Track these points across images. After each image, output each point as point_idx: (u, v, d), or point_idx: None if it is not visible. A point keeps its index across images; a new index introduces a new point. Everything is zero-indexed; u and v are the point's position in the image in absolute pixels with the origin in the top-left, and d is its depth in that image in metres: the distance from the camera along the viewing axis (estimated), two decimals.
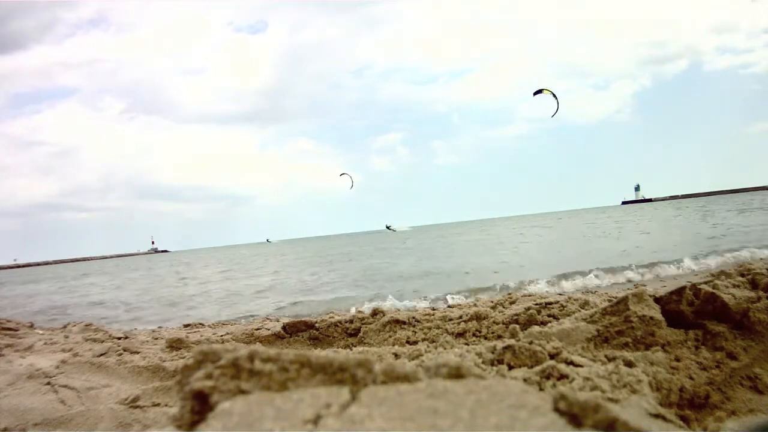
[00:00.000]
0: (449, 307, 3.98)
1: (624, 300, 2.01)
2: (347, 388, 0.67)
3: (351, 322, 3.33)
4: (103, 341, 3.67)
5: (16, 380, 2.53)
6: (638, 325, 1.93)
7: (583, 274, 9.50)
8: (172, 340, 3.46)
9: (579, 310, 2.57)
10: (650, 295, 2.06)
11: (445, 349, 2.35)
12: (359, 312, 3.48)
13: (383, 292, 10.11)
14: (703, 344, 1.94)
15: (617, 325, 1.94)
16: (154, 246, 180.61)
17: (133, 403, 2.29)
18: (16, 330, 4.20)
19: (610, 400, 1.38)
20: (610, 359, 1.77)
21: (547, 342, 1.76)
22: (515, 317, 2.68)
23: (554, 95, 18.53)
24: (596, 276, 9.29)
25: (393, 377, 0.70)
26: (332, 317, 3.53)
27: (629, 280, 8.81)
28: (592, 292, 4.28)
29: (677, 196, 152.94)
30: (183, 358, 3.04)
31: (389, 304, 7.62)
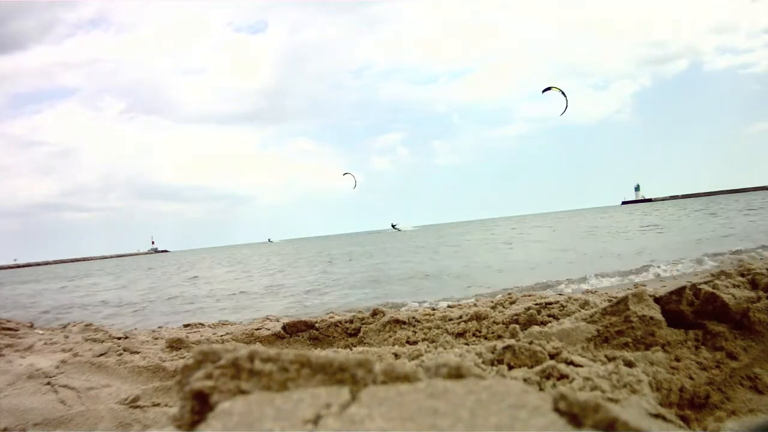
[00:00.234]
0: (449, 307, 3.97)
1: (624, 300, 2.01)
2: (347, 388, 0.67)
3: (351, 322, 3.33)
4: (103, 341, 3.67)
5: (16, 380, 2.53)
6: (638, 325, 1.93)
7: (648, 267, 9.14)
8: (172, 340, 3.46)
9: (579, 310, 2.57)
10: (650, 295, 2.06)
11: (445, 349, 2.35)
12: (359, 312, 3.48)
13: (404, 290, 9.88)
14: (703, 344, 1.94)
15: (617, 325, 1.94)
16: (154, 246, 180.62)
17: (133, 403, 2.29)
18: (16, 330, 4.20)
19: (610, 400, 1.38)
20: (610, 359, 1.77)
21: (547, 342, 1.76)
22: (515, 317, 2.68)
23: (563, 93, 18.43)
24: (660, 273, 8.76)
25: (393, 377, 0.71)
26: (332, 317, 3.53)
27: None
28: (592, 292, 4.28)
29: (677, 196, 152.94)
30: (183, 358, 3.04)
31: (414, 305, 7.45)
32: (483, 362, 1.67)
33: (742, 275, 2.26)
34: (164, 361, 3.00)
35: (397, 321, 3.03)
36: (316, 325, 3.41)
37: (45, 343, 3.54)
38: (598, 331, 1.95)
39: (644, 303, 2.00)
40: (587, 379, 1.48)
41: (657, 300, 2.05)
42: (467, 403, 0.63)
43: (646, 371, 1.72)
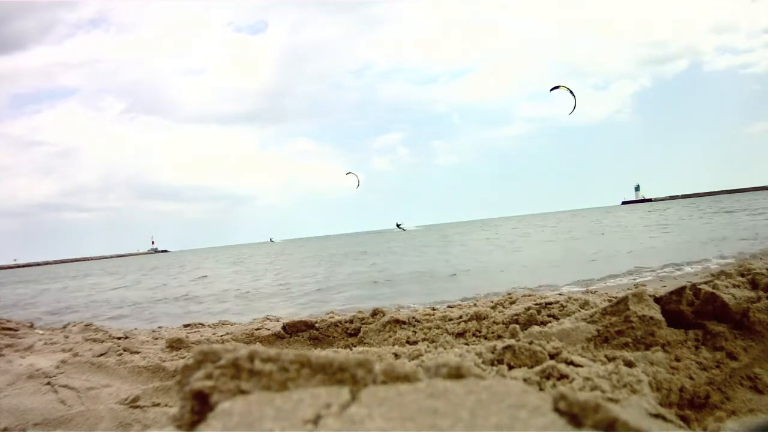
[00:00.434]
0: (449, 307, 3.97)
1: (624, 300, 2.01)
2: (347, 388, 0.67)
3: (351, 322, 3.33)
4: (103, 341, 3.67)
5: (16, 380, 2.53)
6: (638, 325, 1.93)
7: (707, 261, 8.97)
8: (172, 340, 3.46)
9: (579, 310, 2.57)
10: (650, 295, 2.06)
11: (445, 349, 2.35)
12: (359, 312, 3.48)
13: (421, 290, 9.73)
14: (703, 344, 1.94)
15: (617, 325, 1.94)
16: (154, 246, 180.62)
17: (133, 403, 2.29)
18: (16, 330, 4.20)
19: (610, 400, 1.38)
20: (610, 359, 1.77)
21: (547, 342, 1.76)
22: (515, 317, 2.68)
23: (571, 92, 18.32)
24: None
25: (393, 377, 0.71)
26: (332, 317, 3.53)
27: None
28: (592, 292, 4.28)
29: (677, 196, 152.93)
30: (183, 358, 3.04)
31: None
32: (483, 362, 1.68)
33: (742, 275, 2.26)
34: (164, 361, 3.00)
35: (397, 321, 3.03)
36: (316, 325, 3.41)
37: (45, 343, 3.54)
38: (598, 331, 1.95)
39: (644, 303, 2.00)
40: (587, 379, 1.48)
41: (657, 300, 2.05)
42: (467, 403, 0.63)
43: (646, 371, 1.72)
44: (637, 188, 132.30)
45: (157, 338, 4.15)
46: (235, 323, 5.68)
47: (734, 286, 2.16)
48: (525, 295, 3.64)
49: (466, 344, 2.42)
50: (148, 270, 33.54)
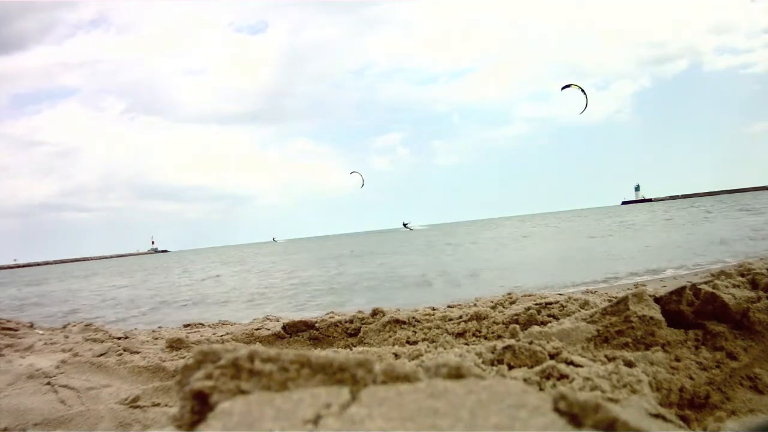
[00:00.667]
0: (449, 307, 3.97)
1: (624, 300, 2.01)
2: (347, 388, 0.67)
3: (351, 322, 3.33)
4: (103, 341, 3.67)
5: (16, 380, 2.53)
6: (638, 325, 1.93)
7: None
8: (172, 340, 3.46)
9: (579, 310, 2.57)
10: (650, 295, 2.06)
11: (445, 349, 2.35)
12: (359, 312, 3.48)
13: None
14: (703, 344, 1.94)
15: (617, 325, 1.94)
16: (154, 246, 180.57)
17: (133, 403, 2.29)
18: (16, 330, 4.20)
19: (610, 400, 1.38)
20: (610, 359, 1.77)
21: (547, 342, 1.76)
22: (515, 317, 2.68)
23: (583, 91, 18.13)
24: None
25: (393, 377, 0.71)
26: (332, 317, 3.53)
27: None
28: (592, 292, 4.28)
29: (677, 196, 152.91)
30: (183, 358, 3.04)
31: None
32: (483, 362, 1.68)
33: (742, 275, 2.26)
34: (164, 361, 3.00)
35: (397, 321, 3.03)
36: (316, 325, 3.41)
37: (45, 343, 3.54)
38: (598, 331, 1.95)
39: (644, 303, 2.00)
40: (587, 379, 1.48)
41: (657, 300, 2.05)
42: (467, 403, 0.63)
43: (646, 371, 1.72)
44: (637, 188, 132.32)
45: (157, 338, 4.15)
46: (235, 323, 5.67)
47: (734, 286, 2.16)
48: (525, 295, 3.63)
49: (466, 344, 2.42)
50: (153, 270, 33.31)
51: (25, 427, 2.15)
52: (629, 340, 1.92)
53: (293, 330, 3.45)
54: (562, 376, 1.51)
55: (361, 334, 3.19)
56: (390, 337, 2.96)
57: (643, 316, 1.95)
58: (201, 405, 0.67)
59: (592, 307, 2.56)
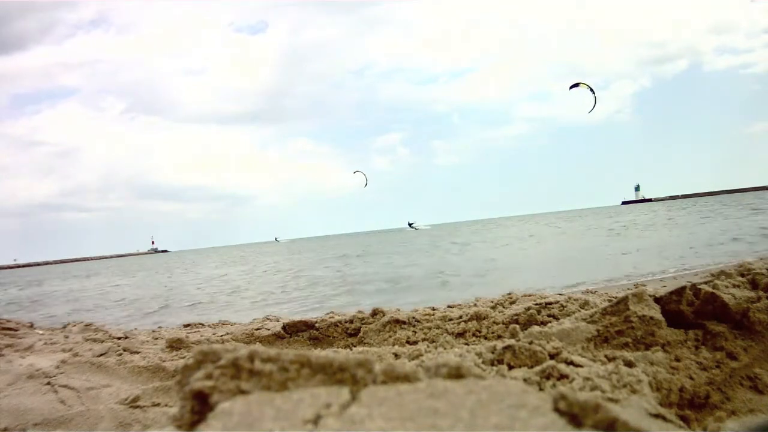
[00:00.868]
0: (449, 307, 3.97)
1: (624, 300, 2.01)
2: (347, 388, 0.67)
3: (351, 322, 3.33)
4: (103, 341, 3.67)
5: (16, 380, 2.53)
6: (638, 325, 1.93)
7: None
8: (172, 340, 3.46)
9: (579, 310, 2.57)
10: (650, 295, 2.06)
11: (445, 349, 2.35)
12: (359, 312, 3.48)
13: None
14: (703, 344, 1.94)
15: (617, 325, 1.94)
16: (154, 246, 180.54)
17: (133, 403, 2.29)
18: (16, 330, 4.20)
19: (610, 400, 1.38)
20: (610, 359, 1.77)
21: (547, 342, 1.76)
22: (515, 317, 2.68)
23: (591, 89, 17.88)
24: None
25: (393, 377, 0.70)
26: (332, 317, 3.53)
27: None
28: (592, 292, 4.27)
29: (677, 196, 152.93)
30: (183, 358, 3.04)
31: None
32: (483, 362, 1.68)
33: (742, 275, 2.26)
34: (164, 361, 3.00)
35: (397, 321, 3.03)
36: (316, 325, 3.41)
37: (45, 343, 3.54)
38: (598, 331, 1.95)
39: (644, 303, 2.00)
40: (587, 379, 1.48)
41: (657, 300, 2.05)
42: (467, 403, 0.63)
43: (646, 371, 1.72)
44: (637, 188, 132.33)
45: (157, 338, 4.14)
46: (235, 323, 5.67)
47: (734, 286, 2.16)
48: (525, 295, 3.63)
49: (466, 344, 2.42)
50: (156, 269, 33.11)
51: (25, 427, 2.15)
52: (629, 340, 1.92)
53: (293, 330, 3.45)
54: (562, 376, 1.51)
55: (361, 334, 3.19)
56: (390, 337, 2.96)
57: (643, 316, 1.95)
58: (201, 405, 0.67)
59: (592, 307, 2.56)
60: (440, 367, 0.74)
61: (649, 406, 1.34)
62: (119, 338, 3.92)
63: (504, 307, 3.15)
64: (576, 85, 18.12)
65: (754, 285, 2.15)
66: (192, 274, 23.61)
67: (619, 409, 0.64)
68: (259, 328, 3.99)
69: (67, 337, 3.92)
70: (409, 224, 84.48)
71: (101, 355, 3.17)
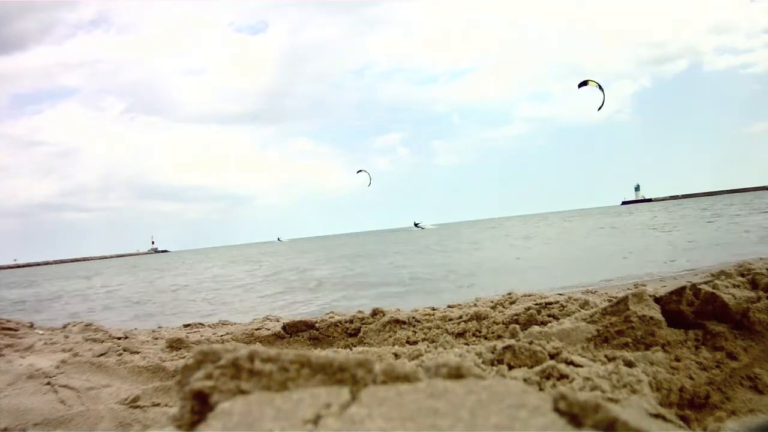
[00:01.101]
0: (449, 307, 3.97)
1: (624, 300, 2.01)
2: (347, 388, 0.67)
3: (351, 322, 3.33)
4: (103, 341, 3.67)
5: (16, 380, 2.53)
6: (638, 325, 1.93)
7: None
8: (172, 340, 3.46)
9: (579, 310, 2.57)
10: (650, 295, 2.06)
11: (445, 349, 2.35)
12: (359, 312, 3.48)
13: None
14: (703, 344, 1.94)
15: (617, 325, 1.94)
16: (154, 246, 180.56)
17: (133, 403, 2.29)
18: (16, 330, 4.20)
19: (610, 400, 1.38)
20: (610, 359, 1.77)
21: (547, 342, 1.76)
22: (515, 317, 2.68)
23: (600, 87, 17.63)
24: None
25: (393, 377, 0.70)
26: (332, 317, 3.53)
27: None
28: (592, 292, 4.27)
29: (677, 196, 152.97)
30: (183, 358, 3.04)
31: None
32: (483, 362, 1.68)
33: (742, 275, 2.26)
34: (164, 361, 3.00)
35: (397, 321, 3.03)
36: (316, 325, 3.41)
37: (45, 343, 3.54)
38: (598, 331, 1.95)
39: (644, 303, 2.00)
40: (587, 379, 1.48)
41: (657, 300, 2.05)
42: (467, 403, 0.63)
43: (646, 371, 1.72)
44: (637, 188, 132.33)
45: (157, 338, 4.14)
46: (235, 323, 5.67)
47: (734, 286, 2.16)
48: (525, 295, 3.63)
49: (466, 344, 2.42)
50: (158, 270, 32.81)
51: (25, 427, 2.15)
52: (629, 340, 1.92)
53: (293, 330, 3.45)
54: (562, 376, 1.51)
55: (361, 334, 3.19)
56: (390, 337, 2.96)
57: (643, 316, 1.95)
58: (201, 405, 0.67)
59: (592, 307, 2.56)
60: (440, 367, 0.74)
61: (649, 406, 1.34)
62: (119, 338, 3.92)
63: (504, 307, 3.15)
64: (584, 83, 17.85)
65: (754, 285, 2.15)
66: (196, 274, 23.53)
67: (619, 409, 0.64)
68: (259, 328, 3.99)
69: (67, 337, 3.92)
70: (415, 224, 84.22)
71: (101, 355, 3.17)
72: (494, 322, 2.72)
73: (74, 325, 4.59)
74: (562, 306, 2.73)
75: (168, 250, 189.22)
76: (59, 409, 2.29)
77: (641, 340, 1.91)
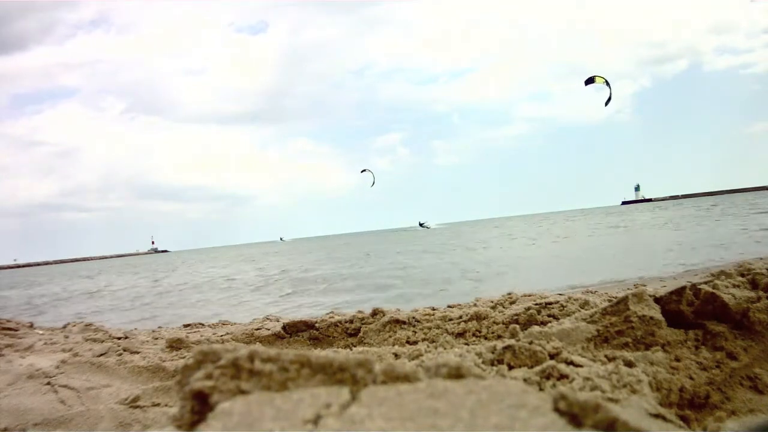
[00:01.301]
0: (449, 307, 3.97)
1: (624, 300, 2.01)
2: (347, 388, 0.67)
3: (351, 322, 3.33)
4: (103, 341, 3.67)
5: (16, 380, 2.53)
6: (638, 325, 1.93)
7: None
8: (172, 340, 3.46)
9: (579, 310, 2.57)
10: (650, 295, 2.06)
11: (445, 349, 2.35)
12: (359, 312, 3.48)
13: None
14: (703, 344, 1.94)
15: (617, 325, 1.94)
16: (154, 246, 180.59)
17: (133, 403, 2.29)
18: (16, 330, 4.20)
19: (610, 400, 1.38)
20: (610, 359, 1.77)
21: (547, 342, 1.76)
22: (515, 317, 2.68)
23: (607, 83, 17.42)
24: None
25: (393, 377, 0.70)
26: (332, 317, 3.53)
27: None
28: (592, 292, 4.28)
29: (677, 196, 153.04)
30: (183, 358, 3.04)
31: None
32: (483, 362, 1.67)
33: (742, 275, 2.26)
34: (164, 361, 3.00)
35: (397, 321, 3.03)
36: (316, 325, 3.41)
37: (45, 343, 3.54)
38: (598, 331, 1.94)
39: (644, 303, 2.00)
40: (587, 379, 1.48)
41: (657, 300, 2.05)
42: (467, 403, 0.63)
43: (646, 371, 1.72)
44: (637, 188, 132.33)
45: (157, 338, 4.14)
46: (235, 323, 5.67)
47: (734, 286, 2.16)
48: (525, 295, 3.63)
49: (466, 344, 2.42)
50: (161, 270, 32.57)
51: (25, 427, 2.15)
52: (629, 340, 1.92)
53: (293, 330, 3.45)
54: (562, 376, 1.51)
55: (361, 334, 3.19)
56: (390, 337, 2.96)
57: (643, 316, 1.95)
58: (201, 405, 0.67)
59: (592, 307, 2.56)
60: (440, 367, 0.74)
61: (649, 406, 1.34)
62: (119, 338, 3.92)
63: (504, 307, 3.15)
64: (591, 80, 17.60)
65: (754, 285, 2.15)
66: (197, 274, 23.46)
67: (619, 409, 0.64)
68: (259, 328, 3.99)
69: (67, 337, 3.92)
70: (420, 224, 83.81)
71: (101, 355, 3.17)
72: (494, 322, 2.72)
73: (74, 325, 4.59)
74: (562, 306, 2.73)
75: (168, 250, 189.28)
76: (59, 409, 2.29)
77: (641, 340, 1.91)
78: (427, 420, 0.59)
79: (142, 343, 3.76)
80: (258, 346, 1.11)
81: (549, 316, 2.65)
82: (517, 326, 2.48)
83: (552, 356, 1.65)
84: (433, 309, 3.56)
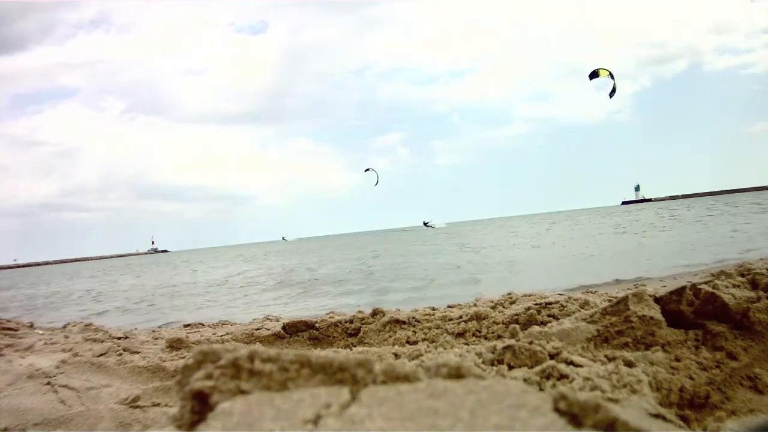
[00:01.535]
0: (449, 307, 3.97)
1: (624, 300, 2.01)
2: (347, 388, 0.67)
3: (351, 322, 3.33)
4: (103, 341, 3.67)
5: (16, 380, 2.53)
6: (638, 325, 1.93)
7: None
8: (172, 340, 3.46)
9: (579, 310, 2.57)
10: (650, 295, 2.06)
11: (445, 349, 2.35)
12: (359, 312, 3.48)
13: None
14: (703, 344, 1.94)
15: (617, 325, 1.94)
16: (154, 246, 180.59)
17: (133, 403, 2.29)
18: (16, 330, 4.20)
19: (610, 400, 1.38)
20: (610, 359, 1.77)
21: (547, 342, 1.76)
22: (515, 317, 2.68)
23: (611, 75, 17.19)
24: None
25: (393, 377, 0.70)
26: (332, 317, 3.53)
27: None
28: (592, 292, 4.28)
29: (677, 196, 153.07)
30: (183, 358, 3.04)
31: None
32: (483, 362, 1.68)
33: (742, 275, 2.26)
34: (164, 361, 3.00)
35: (397, 321, 3.03)
36: (316, 325, 3.41)
37: (45, 343, 3.54)
38: (598, 331, 1.94)
39: (644, 303, 2.00)
40: (587, 379, 1.48)
41: (657, 300, 2.05)
42: (467, 403, 0.63)
43: (646, 371, 1.72)
44: (637, 188, 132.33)
45: (157, 338, 4.15)
46: (235, 323, 5.67)
47: (734, 286, 2.16)
48: (525, 295, 3.63)
49: (466, 344, 2.42)
50: (162, 269, 32.43)
51: (25, 427, 2.15)
52: (629, 340, 1.92)
53: (293, 330, 3.45)
54: (562, 376, 1.51)
55: (361, 334, 3.19)
56: (390, 337, 2.96)
57: (643, 316, 1.95)
58: (201, 405, 0.67)
59: (592, 307, 2.56)
60: (440, 367, 0.74)
61: (649, 406, 1.34)
62: (119, 338, 3.92)
63: (504, 307, 3.15)
64: (596, 74, 17.29)
65: (754, 285, 2.15)
66: (197, 274, 23.42)
67: (619, 409, 0.64)
68: (259, 328, 3.99)
69: (67, 337, 3.92)
70: (425, 223, 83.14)
71: (101, 355, 3.17)
72: (494, 322, 2.72)
73: (74, 325, 4.59)
74: (562, 306, 2.73)
75: (168, 250, 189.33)
76: (59, 409, 2.29)
77: (641, 340, 1.91)
78: (427, 420, 0.59)
79: (142, 343, 3.76)
80: (258, 346, 1.11)
81: (549, 316, 2.65)
82: (517, 326, 2.48)
83: (552, 356, 1.65)
84: (433, 309, 3.56)
